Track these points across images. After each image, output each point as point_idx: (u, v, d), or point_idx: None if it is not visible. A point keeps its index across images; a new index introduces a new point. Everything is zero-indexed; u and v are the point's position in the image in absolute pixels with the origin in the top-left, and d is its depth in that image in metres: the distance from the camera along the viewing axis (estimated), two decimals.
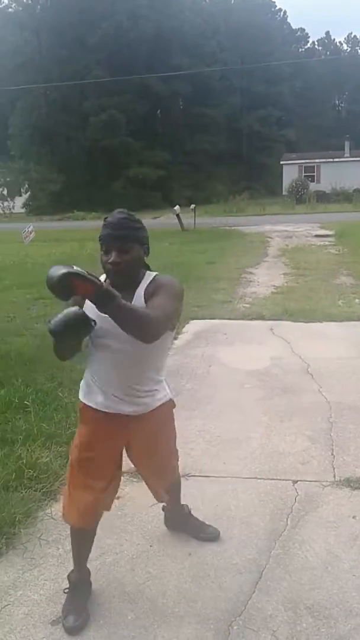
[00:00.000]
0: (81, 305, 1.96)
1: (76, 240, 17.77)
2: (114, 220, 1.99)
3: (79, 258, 13.11)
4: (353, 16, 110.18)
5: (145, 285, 2.07)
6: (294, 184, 38.65)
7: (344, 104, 71.69)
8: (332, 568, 2.48)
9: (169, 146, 46.32)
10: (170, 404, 2.35)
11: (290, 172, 40.66)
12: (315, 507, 2.95)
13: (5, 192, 41.28)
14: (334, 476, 3.24)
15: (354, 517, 2.84)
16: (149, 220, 28.50)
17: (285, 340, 6.03)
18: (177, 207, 20.29)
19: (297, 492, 3.08)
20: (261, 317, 7.02)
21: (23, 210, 41.93)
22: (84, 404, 2.23)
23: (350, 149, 41.51)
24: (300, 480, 3.20)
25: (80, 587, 2.30)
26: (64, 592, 2.32)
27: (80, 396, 2.25)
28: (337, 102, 72.55)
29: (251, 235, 18.15)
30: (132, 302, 1.97)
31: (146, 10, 44.50)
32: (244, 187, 43.80)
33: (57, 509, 2.97)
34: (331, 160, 40.86)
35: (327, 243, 15.33)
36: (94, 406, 2.18)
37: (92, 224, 27.69)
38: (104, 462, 2.22)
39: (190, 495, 3.05)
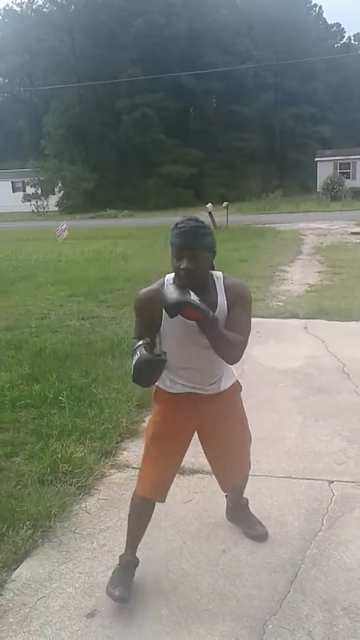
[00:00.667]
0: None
1: (109, 238, 17.95)
2: (185, 228, 2.07)
3: (111, 256, 13.24)
4: None
5: (222, 292, 2.20)
6: (328, 181, 38.13)
7: None
8: None
9: (201, 144, 46.21)
10: (236, 386, 2.48)
11: (325, 169, 40.12)
12: (351, 508, 2.90)
13: (39, 191, 41.80)
14: None
15: None
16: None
17: (320, 339, 5.95)
18: (209, 205, 20.22)
19: (333, 493, 3.04)
20: (295, 316, 6.95)
21: (56, 209, 42.42)
22: (157, 386, 2.39)
23: None
24: (337, 481, 3.16)
25: (128, 569, 2.40)
26: (116, 567, 2.41)
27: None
28: None
29: (284, 233, 17.99)
30: (216, 312, 2.12)
31: (179, 8, 44.47)
32: (277, 185, 43.44)
33: (91, 503, 3.01)
34: None
35: None
36: (166, 389, 2.36)
37: (124, 222, 27.92)
38: (174, 438, 2.37)
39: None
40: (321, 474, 3.24)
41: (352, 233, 17.20)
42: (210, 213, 19.76)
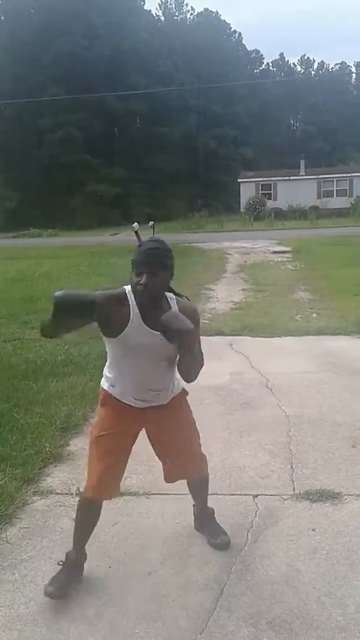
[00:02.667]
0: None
1: (32, 258, 17.58)
2: (147, 247, 2.22)
3: (34, 276, 12.99)
4: (306, 39, 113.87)
5: (175, 309, 2.32)
6: (251, 202, 39.34)
7: (298, 124, 73.65)
8: (292, 581, 2.49)
9: (126, 164, 46.49)
10: (183, 392, 2.60)
11: (247, 190, 41.38)
12: (275, 521, 2.96)
13: None
14: (294, 489, 3.26)
15: (313, 530, 2.86)
16: (107, 237, 28.49)
17: (245, 355, 6.07)
18: (135, 224, 19.67)
19: (258, 507, 3.09)
20: (220, 333, 7.06)
21: None
22: (104, 390, 2.49)
23: (305, 168, 42.57)
24: (261, 495, 3.21)
25: (73, 569, 2.48)
26: (58, 564, 2.49)
27: (102, 383, 2.52)
28: (292, 121, 74.51)
29: (210, 252, 18.32)
30: None
31: (101, 29, 44.81)
32: (202, 205, 44.27)
33: (12, 532, 2.90)
34: (287, 178, 41.78)
35: (284, 259, 15.61)
36: (113, 394, 2.45)
37: (49, 241, 27.52)
38: (117, 441, 2.45)
39: (152, 514, 3.04)
40: (245, 488, 3.29)
41: (274, 252, 17.76)
42: (136, 232, 19.62)
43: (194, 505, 2.87)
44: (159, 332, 2.20)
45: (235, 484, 3.35)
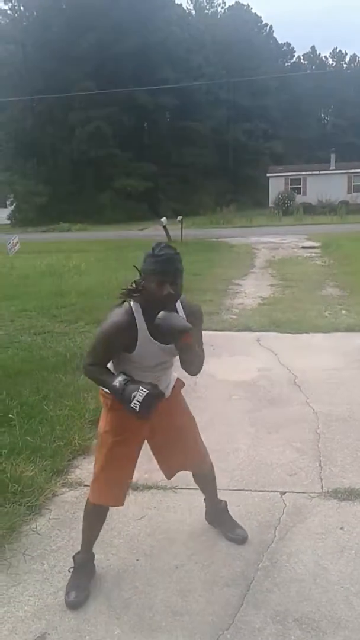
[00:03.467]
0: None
1: (62, 252, 17.75)
2: (165, 257, 2.15)
3: (64, 270, 13.10)
4: (337, 32, 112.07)
5: (182, 312, 2.31)
6: (280, 196, 39.01)
7: (329, 118, 72.58)
8: (320, 580, 2.47)
9: (155, 158, 46.51)
10: (178, 383, 2.61)
11: (276, 185, 41.01)
12: (303, 518, 2.94)
13: None
14: (322, 487, 3.23)
15: (341, 529, 2.83)
16: (136, 232, 28.57)
17: (272, 351, 6.04)
18: (164, 219, 20.32)
19: (285, 504, 3.07)
20: (248, 329, 7.02)
21: (8, 222, 41.81)
22: (108, 394, 2.42)
23: (335, 162, 41.98)
24: (288, 492, 3.19)
25: (85, 567, 2.49)
26: (69, 572, 2.49)
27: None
28: (322, 115, 73.44)
29: (238, 247, 18.23)
30: None
31: (131, 23, 44.78)
32: (231, 199, 44.07)
33: (42, 523, 2.94)
34: (317, 172, 41.26)
35: (313, 255, 15.44)
36: None
37: (78, 235, 27.73)
38: (125, 446, 2.43)
39: (179, 508, 3.05)
40: (273, 485, 3.27)
41: (303, 247, 17.58)
42: (164, 227, 19.85)
43: (205, 499, 2.87)
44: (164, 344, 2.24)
45: (262, 481, 3.33)
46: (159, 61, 45.83)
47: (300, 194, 40.30)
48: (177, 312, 2.24)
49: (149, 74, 44.00)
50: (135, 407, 2.13)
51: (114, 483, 2.46)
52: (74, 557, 2.52)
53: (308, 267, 12.93)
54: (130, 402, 2.14)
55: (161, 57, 46.12)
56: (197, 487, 2.84)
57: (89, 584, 2.45)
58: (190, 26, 53.44)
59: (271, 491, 3.21)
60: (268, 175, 42.35)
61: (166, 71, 45.64)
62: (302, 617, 2.25)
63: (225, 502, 2.86)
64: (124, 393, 2.16)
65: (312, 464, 3.52)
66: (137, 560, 2.64)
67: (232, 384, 5.08)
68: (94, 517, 2.51)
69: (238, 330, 7.00)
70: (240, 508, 3.03)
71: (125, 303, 2.26)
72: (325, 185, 39.35)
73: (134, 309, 2.22)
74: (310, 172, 41.39)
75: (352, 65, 75.21)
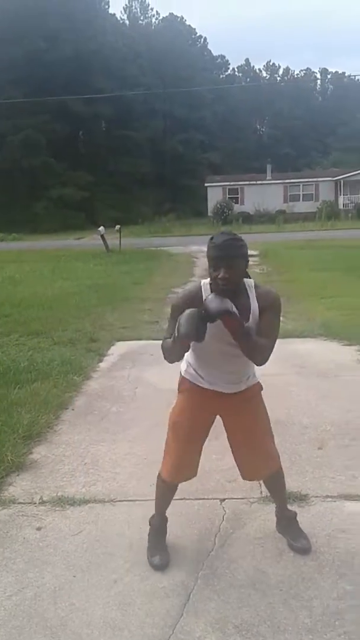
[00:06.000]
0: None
1: None
2: (220, 241, 2.26)
3: None
4: (271, 44, 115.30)
5: (254, 298, 2.40)
6: (218, 206, 39.57)
7: (264, 129, 74.55)
8: (259, 584, 2.48)
9: (92, 167, 46.32)
10: (257, 386, 2.66)
11: (215, 194, 41.61)
12: (242, 524, 2.95)
13: None
14: (261, 492, 3.24)
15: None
16: (72, 242, 28.25)
17: None
18: (101, 228, 20.18)
19: (225, 511, 3.07)
20: None
21: None
22: (183, 376, 2.62)
23: (272, 172, 43.04)
24: (228, 499, 3.19)
25: (161, 528, 2.73)
26: (150, 530, 2.72)
27: (182, 370, 2.63)
28: (258, 126, 75.32)
29: (177, 256, 18.33)
30: (249, 318, 2.35)
31: (64, 32, 44.53)
32: (170, 209, 44.40)
33: None
34: (254, 182, 42.20)
35: (252, 263, 15.50)
36: (191, 379, 2.57)
37: (13, 246, 27.08)
38: (191, 426, 2.58)
39: (117, 521, 3.00)
40: (213, 492, 3.27)
41: None
42: (102, 236, 19.72)
43: (276, 509, 2.85)
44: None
45: (202, 489, 3.32)
46: (94, 70, 45.76)
47: (238, 203, 41.04)
48: (241, 296, 2.34)
49: (84, 82, 43.81)
50: (179, 328, 2.16)
51: (175, 460, 2.59)
52: (149, 520, 2.75)
53: None
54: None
55: (96, 66, 46.08)
56: (141, 498, 2.83)
57: (166, 545, 2.69)
58: (124, 36, 53.70)
59: (211, 499, 3.20)
60: (206, 184, 42.93)
61: (101, 80, 45.61)
62: (242, 623, 2.25)
63: (295, 512, 2.84)
64: (178, 327, 2.18)
65: None
66: (74, 576, 2.56)
67: (172, 392, 5.01)
68: (165, 490, 2.69)
69: None
70: (181, 517, 3.00)
71: (200, 280, 2.44)
72: (262, 194, 40.28)
73: (202, 287, 2.38)
74: (247, 182, 42.28)
75: (285, 78, 77.66)
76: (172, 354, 2.39)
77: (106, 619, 2.30)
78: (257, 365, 2.45)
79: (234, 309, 2.20)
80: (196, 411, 2.57)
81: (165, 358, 2.43)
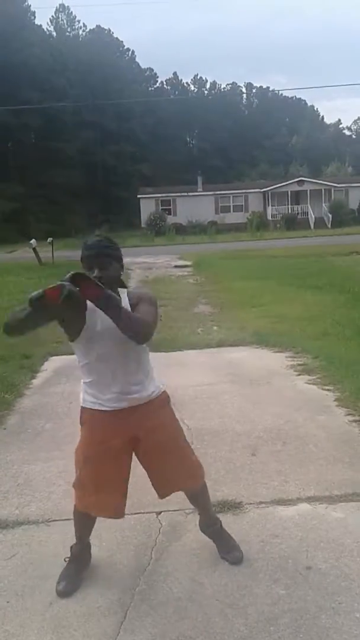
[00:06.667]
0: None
1: None
2: (92, 242, 2.32)
3: None
4: (198, 58, 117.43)
5: (126, 298, 2.39)
6: (152, 217, 39.81)
7: (194, 142, 75.70)
8: (196, 596, 2.50)
9: (23, 179, 45.55)
10: (163, 395, 2.60)
11: (147, 206, 41.83)
12: (179, 536, 2.96)
13: None
14: None
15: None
16: (3, 255, 27.61)
17: None
18: (33, 241, 19.84)
19: (161, 524, 3.08)
20: None
21: None
22: (83, 407, 2.51)
23: (202, 184, 43.72)
24: (164, 511, 3.20)
25: (79, 558, 2.63)
26: (64, 561, 2.62)
27: (81, 401, 2.52)
28: (188, 139, 76.40)
29: None
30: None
31: None
32: (103, 220, 44.15)
33: None
34: (186, 194, 42.75)
35: (185, 273, 15.89)
36: (92, 407, 2.46)
37: None
38: (105, 458, 2.44)
39: (52, 541, 2.94)
40: (149, 506, 3.26)
41: (176, 266, 18.05)
42: (34, 249, 19.39)
43: (199, 515, 2.81)
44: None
45: (138, 503, 3.29)
46: (20, 81, 45.13)
47: (170, 214, 41.43)
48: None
49: (11, 93, 43.10)
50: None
51: (97, 497, 2.46)
52: (70, 548, 2.65)
53: (181, 286, 13.27)
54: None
55: (23, 77, 45.49)
56: (70, 518, 2.77)
57: (82, 574, 2.59)
58: (51, 47, 53.31)
59: (147, 512, 3.20)
60: (139, 196, 43.11)
61: (29, 91, 45.05)
62: (179, 637, 2.25)
63: (220, 521, 2.81)
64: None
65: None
66: (8, 602, 2.49)
67: None
68: (80, 518, 2.62)
69: None
70: (117, 534, 2.99)
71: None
72: (194, 206, 40.86)
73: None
74: (179, 194, 42.77)
75: (213, 91, 79.27)
76: (16, 324, 2.27)
77: None
78: (138, 343, 2.30)
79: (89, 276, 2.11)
80: (107, 439, 2.43)
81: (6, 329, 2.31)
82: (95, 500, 2.47)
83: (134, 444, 2.49)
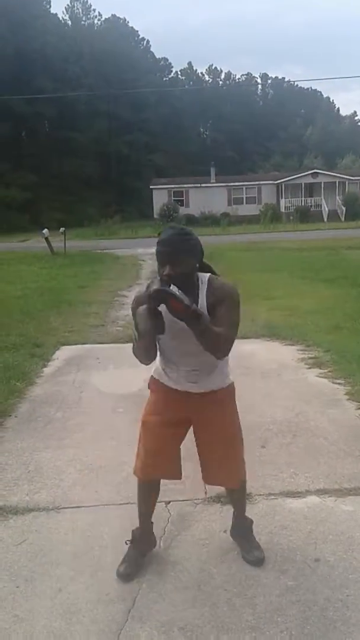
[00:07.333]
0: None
1: None
2: (165, 236, 2.25)
3: None
4: (213, 48, 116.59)
5: (205, 291, 2.33)
6: (164, 208, 39.71)
7: (208, 132, 75.32)
8: (204, 585, 2.51)
9: (36, 168, 45.59)
10: (230, 387, 2.60)
11: (160, 196, 41.71)
12: (187, 526, 2.97)
13: None
14: (206, 493, 3.26)
15: (224, 532, 2.89)
16: (16, 244, 27.71)
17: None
18: (45, 231, 19.86)
19: (170, 513, 3.09)
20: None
21: None
22: (152, 375, 2.62)
23: (215, 175, 43.51)
24: (173, 501, 3.21)
25: (141, 541, 2.67)
26: (125, 544, 2.66)
27: (153, 372, 2.62)
28: (202, 130, 76.01)
29: (124, 258, 18.28)
30: None
31: (4, 31, 43.65)
32: (116, 210, 44.16)
33: None
34: (199, 185, 42.57)
35: None
36: (159, 379, 2.57)
37: None
38: (163, 426, 2.53)
39: (62, 528, 2.97)
40: (158, 496, 3.28)
41: None
42: (47, 239, 19.43)
43: (233, 513, 2.82)
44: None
45: None
46: (35, 70, 45.09)
47: (183, 205, 41.29)
48: (189, 292, 2.21)
49: (25, 82, 43.14)
50: (135, 326, 2.25)
51: (148, 459, 2.56)
52: (133, 531, 2.68)
53: None
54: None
55: (38, 66, 45.43)
56: (86, 504, 2.78)
57: (144, 558, 2.64)
58: (67, 36, 53.15)
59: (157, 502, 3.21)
60: (151, 187, 43.00)
61: (43, 80, 44.98)
62: (187, 625, 2.27)
63: (252, 520, 2.80)
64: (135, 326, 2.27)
65: (196, 470, 3.56)
66: (17, 587, 2.52)
67: (119, 397, 5.05)
68: (142, 492, 2.68)
69: (124, 342, 6.96)
70: (126, 522, 2.99)
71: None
72: (207, 197, 40.69)
73: (151, 284, 2.29)
74: (192, 185, 42.59)
75: (227, 82, 78.70)
76: (139, 355, 2.38)
77: (50, 628, 2.27)
78: (217, 358, 2.36)
79: (179, 292, 2.09)
80: (164, 410, 2.54)
81: (140, 362, 2.44)
82: (152, 463, 2.57)
83: (189, 422, 2.59)
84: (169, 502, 3.20)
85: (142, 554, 2.66)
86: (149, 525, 2.72)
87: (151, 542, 2.73)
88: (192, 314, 2.09)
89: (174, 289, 2.10)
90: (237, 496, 2.78)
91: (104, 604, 2.40)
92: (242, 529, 2.79)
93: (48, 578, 2.57)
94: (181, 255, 2.23)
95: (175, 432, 2.58)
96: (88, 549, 2.76)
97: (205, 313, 2.23)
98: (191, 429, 2.61)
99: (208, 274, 2.40)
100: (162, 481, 3.44)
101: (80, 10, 63.62)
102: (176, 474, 2.67)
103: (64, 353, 6.54)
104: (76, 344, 6.96)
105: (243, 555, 2.70)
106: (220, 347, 2.30)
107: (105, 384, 5.41)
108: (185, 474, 3.49)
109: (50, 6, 54.71)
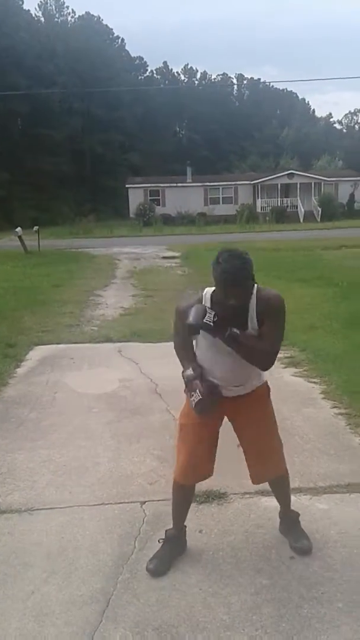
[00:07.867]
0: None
1: None
2: (229, 267, 2.25)
3: None
4: (188, 48, 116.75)
5: (255, 303, 2.40)
6: (140, 207, 39.58)
7: (184, 132, 75.27)
8: (179, 585, 2.50)
9: (8, 165, 44.98)
10: (264, 387, 2.68)
11: (136, 196, 41.58)
12: (163, 526, 2.94)
13: None
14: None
15: (200, 532, 2.89)
16: None
17: (134, 361, 6.06)
18: (18, 229, 19.61)
19: (145, 513, 3.07)
20: (109, 340, 6.99)
21: None
22: None
23: (192, 175, 43.53)
24: (148, 501, 3.20)
25: (173, 542, 2.68)
26: (158, 542, 2.69)
27: None
28: (177, 129, 75.95)
29: (99, 258, 18.18)
30: (248, 324, 2.39)
31: None
32: (90, 209, 43.88)
33: None
34: (175, 185, 42.52)
35: (173, 265, 15.84)
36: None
37: None
38: (199, 428, 2.57)
39: (35, 530, 2.93)
40: (133, 496, 3.27)
41: (164, 257, 17.97)
42: (20, 237, 19.20)
43: (279, 512, 2.85)
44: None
45: (123, 492, 3.31)
46: (7, 66, 44.49)
47: (159, 205, 41.21)
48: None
49: None
50: (192, 404, 2.45)
51: (185, 463, 2.61)
52: (166, 531, 2.71)
53: (169, 277, 13.24)
54: (191, 397, 2.45)
55: (10, 63, 44.87)
56: (59, 506, 2.74)
57: (174, 558, 2.64)
58: (39, 33, 52.60)
59: (131, 502, 3.19)
60: (127, 186, 42.83)
61: (16, 77, 44.47)
62: (162, 625, 2.26)
63: (298, 513, 2.84)
64: (187, 386, 2.48)
65: (172, 470, 3.55)
66: None
67: (93, 397, 5.01)
68: (178, 495, 2.71)
69: (99, 342, 6.94)
70: (100, 523, 2.98)
71: (201, 290, 2.47)
72: (183, 197, 40.68)
73: (204, 298, 2.44)
74: (168, 184, 42.53)
75: (203, 82, 78.78)
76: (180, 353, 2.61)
77: (22, 631, 2.24)
78: (261, 369, 2.52)
79: (213, 319, 2.25)
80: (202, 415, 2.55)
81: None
82: (193, 467, 2.61)
83: (223, 420, 2.66)
84: (144, 502, 3.19)
85: (172, 555, 2.66)
86: (182, 528, 2.74)
87: (183, 545, 2.73)
88: (228, 339, 2.31)
89: (211, 316, 2.26)
90: (283, 489, 2.82)
91: (77, 605, 2.38)
92: (290, 523, 2.82)
93: (21, 580, 2.54)
94: (244, 283, 2.29)
95: (212, 434, 2.64)
96: (62, 550, 2.73)
97: (247, 332, 2.37)
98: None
99: (255, 285, 2.43)
100: (137, 481, 3.45)
101: (53, 7, 62.99)
102: (211, 473, 2.72)
103: (37, 353, 6.46)
104: (50, 343, 6.88)
105: (291, 543, 2.74)
106: (263, 360, 2.44)
107: (79, 384, 5.36)
108: (160, 474, 3.51)
109: (22, 2, 54.10)
